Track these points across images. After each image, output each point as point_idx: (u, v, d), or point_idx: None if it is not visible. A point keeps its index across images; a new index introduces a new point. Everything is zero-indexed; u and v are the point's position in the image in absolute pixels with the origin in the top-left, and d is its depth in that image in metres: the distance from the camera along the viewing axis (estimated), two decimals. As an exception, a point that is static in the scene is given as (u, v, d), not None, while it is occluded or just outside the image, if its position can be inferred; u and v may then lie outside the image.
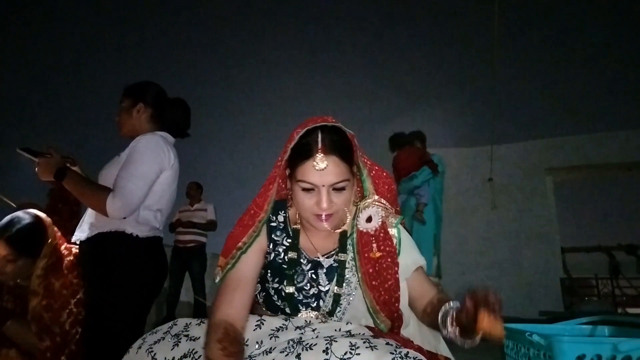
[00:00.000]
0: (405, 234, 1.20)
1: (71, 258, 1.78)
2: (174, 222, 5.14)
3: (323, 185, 1.03)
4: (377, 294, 1.08)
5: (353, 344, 0.87)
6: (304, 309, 1.09)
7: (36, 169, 1.63)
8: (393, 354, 0.85)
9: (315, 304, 1.09)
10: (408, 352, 0.87)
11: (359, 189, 1.21)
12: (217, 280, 1.12)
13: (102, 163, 1.78)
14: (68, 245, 1.82)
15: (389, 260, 1.11)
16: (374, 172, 1.21)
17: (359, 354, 0.86)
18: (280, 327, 1.01)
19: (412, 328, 1.19)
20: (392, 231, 1.16)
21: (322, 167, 1.01)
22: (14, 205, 2.06)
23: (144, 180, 1.59)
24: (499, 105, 6.05)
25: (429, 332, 1.19)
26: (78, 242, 1.68)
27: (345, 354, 0.85)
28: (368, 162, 1.20)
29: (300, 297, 1.10)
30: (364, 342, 0.88)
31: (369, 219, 1.15)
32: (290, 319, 1.04)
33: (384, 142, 4.77)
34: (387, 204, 1.20)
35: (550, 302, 6.42)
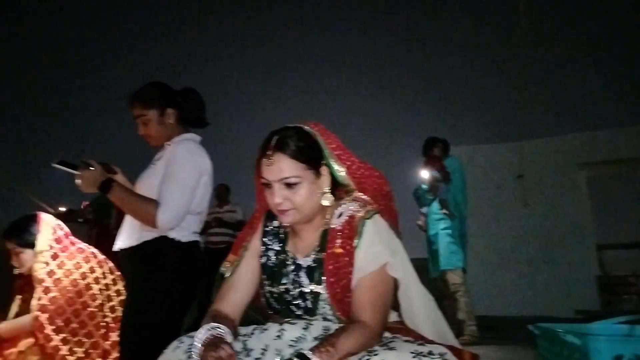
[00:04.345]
0: (374, 229, 1.12)
1: (77, 261, 1.92)
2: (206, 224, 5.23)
3: (274, 181, 1.10)
4: (332, 291, 1.10)
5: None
6: (295, 309, 1.14)
7: (77, 181, 1.57)
8: (413, 353, 0.86)
9: (304, 305, 1.13)
10: (430, 350, 0.87)
11: (326, 188, 1.17)
12: (227, 275, 1.22)
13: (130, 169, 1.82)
14: (81, 247, 1.97)
15: (347, 259, 1.10)
16: (360, 171, 1.23)
17: (377, 354, 0.87)
18: (299, 337, 1.05)
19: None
20: (359, 228, 1.12)
21: (269, 164, 1.09)
22: (51, 210, 2.14)
23: (189, 191, 1.63)
24: (528, 100, 5.93)
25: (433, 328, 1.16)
26: (119, 250, 1.72)
27: (362, 356, 0.88)
28: (356, 161, 1.22)
29: (289, 298, 1.15)
30: (381, 345, 0.91)
31: (340, 215, 1.17)
32: (309, 327, 1.08)
33: (407, 135, 4.77)
34: (368, 199, 1.19)
35: (587, 300, 6.25)
